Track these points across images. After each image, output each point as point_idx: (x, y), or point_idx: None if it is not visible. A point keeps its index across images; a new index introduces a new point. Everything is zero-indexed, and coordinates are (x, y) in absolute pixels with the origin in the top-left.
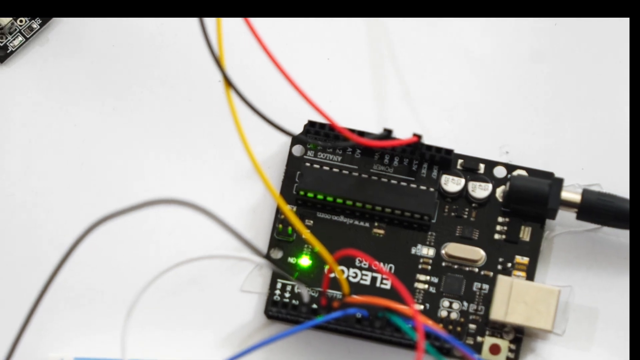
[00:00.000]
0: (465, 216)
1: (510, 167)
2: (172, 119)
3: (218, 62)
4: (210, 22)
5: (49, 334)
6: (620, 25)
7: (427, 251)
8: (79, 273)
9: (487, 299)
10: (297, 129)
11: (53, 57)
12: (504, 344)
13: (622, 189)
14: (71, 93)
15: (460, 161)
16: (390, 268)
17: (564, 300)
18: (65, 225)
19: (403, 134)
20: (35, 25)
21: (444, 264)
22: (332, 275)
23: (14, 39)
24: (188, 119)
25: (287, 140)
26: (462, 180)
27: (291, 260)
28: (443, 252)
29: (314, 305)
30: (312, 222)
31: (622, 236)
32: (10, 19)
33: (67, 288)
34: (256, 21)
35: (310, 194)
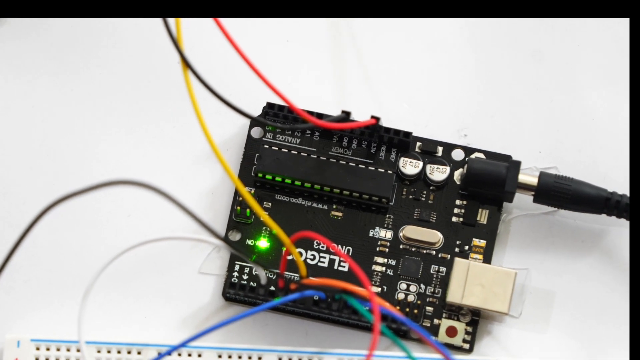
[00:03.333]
0: (423, 199)
1: (468, 150)
2: (131, 100)
3: (176, 43)
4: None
5: (5, 315)
6: (621, 25)
7: (385, 234)
8: (36, 254)
9: (444, 282)
10: (256, 111)
11: (11, 38)
12: (460, 326)
13: (578, 172)
14: (29, 74)
15: (418, 144)
16: (348, 250)
17: (521, 282)
18: (23, 205)
19: (362, 116)
20: None
21: (401, 246)
22: (289, 257)
23: None
24: (147, 101)
25: (246, 122)
26: (420, 163)
27: (249, 242)
28: (401, 234)
29: (272, 287)
30: (270, 204)
31: (579, 219)
32: None
33: (23, 269)
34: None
35: (268, 176)
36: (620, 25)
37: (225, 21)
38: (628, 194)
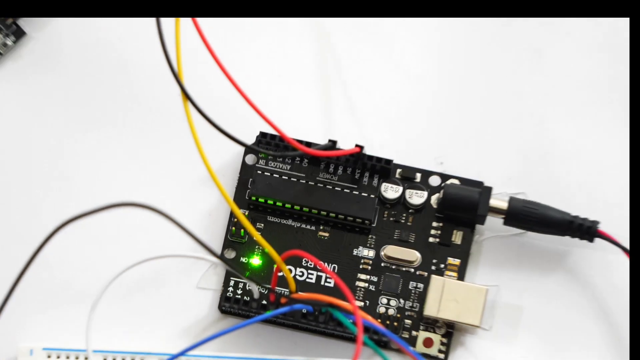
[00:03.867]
0: (403, 221)
1: (444, 177)
2: (135, 129)
3: (177, 77)
4: (170, 41)
5: (19, 326)
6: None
7: (368, 252)
8: (47, 270)
9: (422, 297)
10: (250, 140)
11: (26, 73)
12: (436, 338)
13: (545, 197)
14: (41, 104)
15: (398, 170)
16: (334, 268)
17: (492, 298)
18: (35, 225)
19: (347, 144)
20: (9, 42)
21: (382, 264)
22: (280, 274)
23: None
24: (150, 130)
25: (241, 149)
26: (400, 188)
27: (243, 260)
28: (382, 253)
29: (264, 301)
30: (262, 225)
31: (545, 240)
32: None
33: (36, 284)
34: (214, 40)
35: (261, 199)
36: (588, 59)
37: (224, 58)
38: (590, 218)
